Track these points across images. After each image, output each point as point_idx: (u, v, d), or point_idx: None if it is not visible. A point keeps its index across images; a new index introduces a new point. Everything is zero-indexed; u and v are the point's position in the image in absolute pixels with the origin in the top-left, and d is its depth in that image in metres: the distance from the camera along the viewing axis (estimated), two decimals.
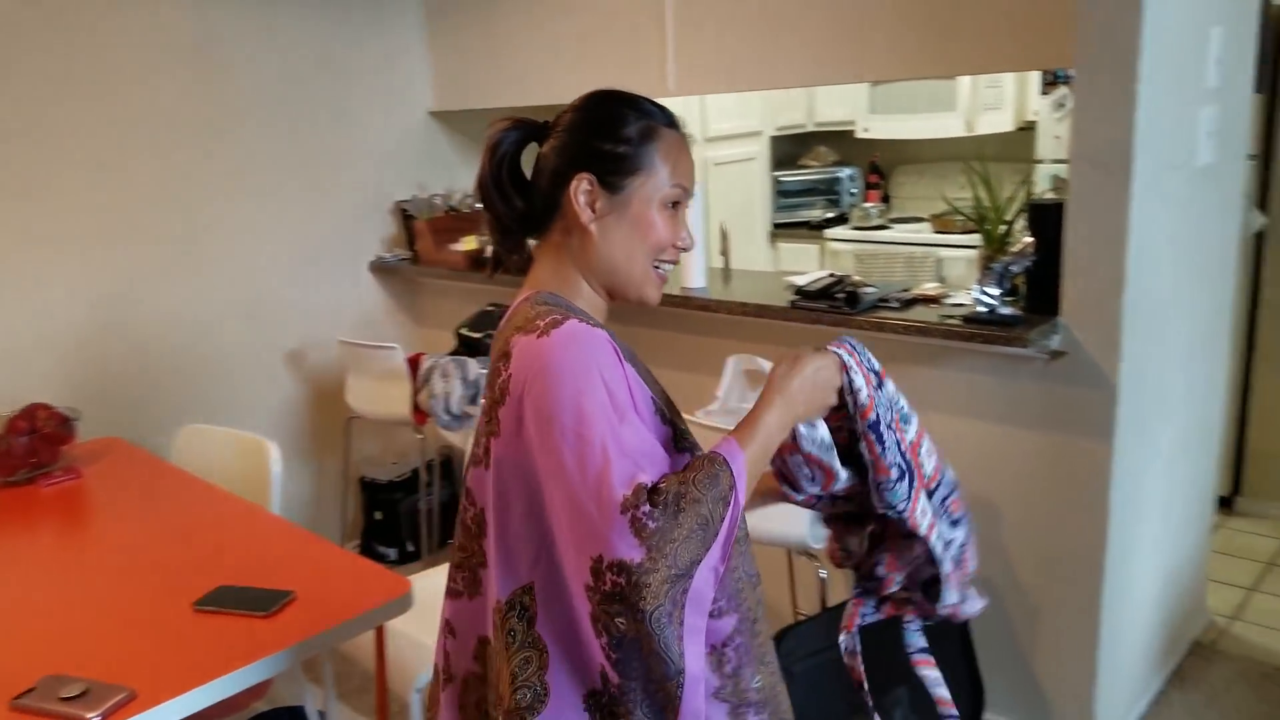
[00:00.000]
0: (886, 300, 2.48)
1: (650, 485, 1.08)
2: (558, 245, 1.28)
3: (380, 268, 3.75)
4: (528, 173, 1.31)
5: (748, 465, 1.16)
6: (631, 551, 1.04)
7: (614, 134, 1.25)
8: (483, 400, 1.24)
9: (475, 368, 2.79)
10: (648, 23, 3.02)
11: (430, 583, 2.53)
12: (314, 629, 1.68)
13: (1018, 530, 2.36)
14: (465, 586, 1.29)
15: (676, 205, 1.26)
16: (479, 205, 3.77)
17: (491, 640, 1.23)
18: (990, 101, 4.27)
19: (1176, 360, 2.41)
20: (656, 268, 1.28)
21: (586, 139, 1.26)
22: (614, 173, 1.23)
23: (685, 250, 1.28)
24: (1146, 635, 2.56)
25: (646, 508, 1.05)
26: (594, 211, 1.24)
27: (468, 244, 3.50)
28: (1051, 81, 3.89)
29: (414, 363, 3.14)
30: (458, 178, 3.95)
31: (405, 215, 3.77)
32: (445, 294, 3.79)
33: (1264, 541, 3.43)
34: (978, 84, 4.27)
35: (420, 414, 3.15)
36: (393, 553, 3.75)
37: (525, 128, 1.31)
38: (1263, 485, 3.61)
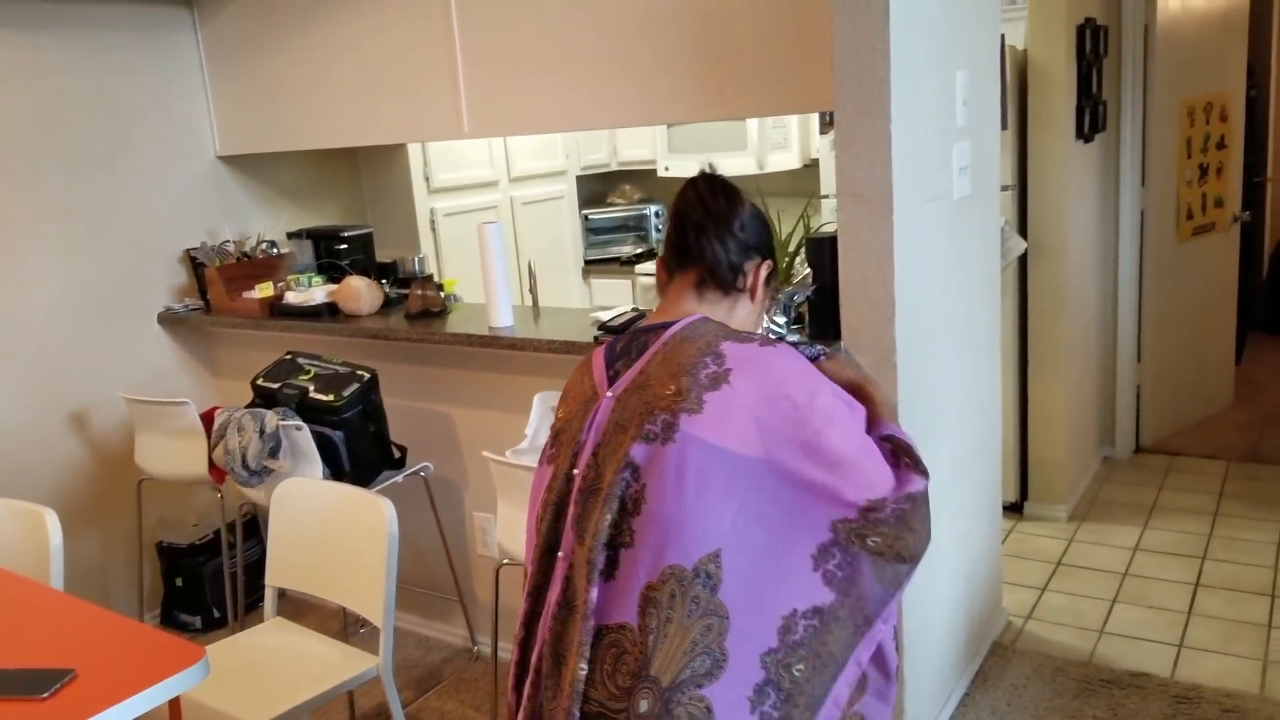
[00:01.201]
0: None
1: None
2: (713, 299, 1.57)
3: (170, 319, 3.58)
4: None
5: None
6: (919, 483, 1.44)
7: (774, 250, 1.68)
8: (658, 385, 1.42)
9: (273, 419, 2.70)
10: (438, 65, 3.04)
11: (236, 647, 2.43)
12: (98, 707, 1.59)
13: None
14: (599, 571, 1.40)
15: None
16: (274, 252, 3.67)
17: (640, 619, 1.34)
18: (778, 141, 4.52)
19: (952, 376, 2.61)
20: None
21: (769, 236, 1.66)
22: (773, 275, 1.65)
23: None
24: (949, 640, 2.72)
25: (907, 461, 1.47)
26: (763, 290, 1.63)
27: (263, 291, 3.39)
28: (828, 122, 4.16)
29: (208, 418, 3.01)
30: (249, 223, 3.82)
31: (195, 263, 3.62)
32: (242, 344, 3.65)
33: (1051, 543, 3.71)
34: (765, 125, 4.52)
35: (218, 471, 3.02)
36: (197, 620, 3.55)
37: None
38: (1046, 489, 3.89)
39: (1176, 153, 4.29)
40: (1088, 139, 3.80)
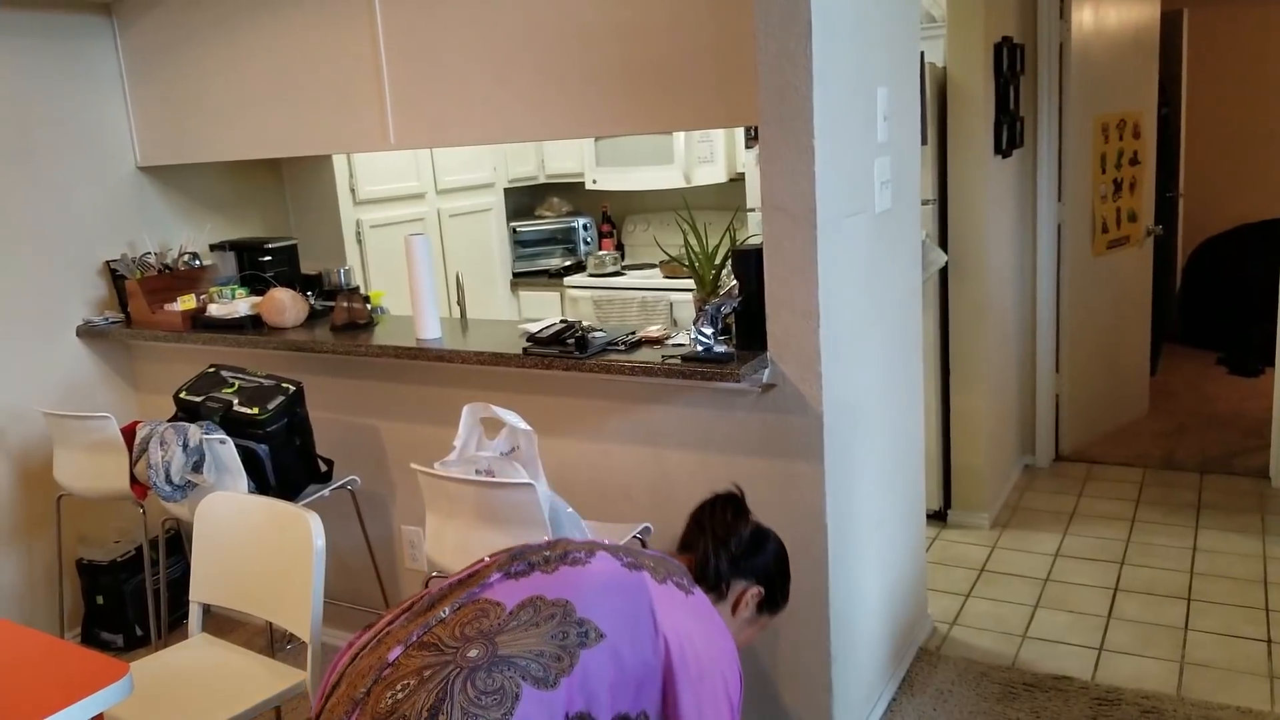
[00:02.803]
0: (614, 343, 2.60)
1: None
2: (712, 597, 1.80)
3: (90, 332, 3.49)
4: None
5: None
6: None
7: (786, 590, 1.93)
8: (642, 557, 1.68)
9: (196, 433, 2.66)
10: (362, 75, 3.03)
11: (160, 664, 2.38)
12: None
13: None
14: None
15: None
16: (197, 264, 3.60)
17: (514, 608, 1.52)
18: (704, 155, 4.58)
19: (876, 385, 2.68)
20: None
21: (778, 576, 1.88)
22: (772, 606, 1.89)
23: None
24: (876, 646, 2.78)
25: None
26: (746, 611, 1.83)
27: (185, 303, 3.33)
28: (754, 137, 4.23)
29: (129, 432, 2.95)
30: (172, 235, 3.75)
31: (115, 275, 3.54)
32: (164, 357, 3.58)
33: (974, 550, 3.80)
34: (691, 140, 4.58)
35: (140, 487, 2.95)
36: (119, 639, 3.47)
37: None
38: (968, 497, 3.99)
39: (1091, 168, 4.45)
40: (1006, 154, 3.92)
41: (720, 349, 2.40)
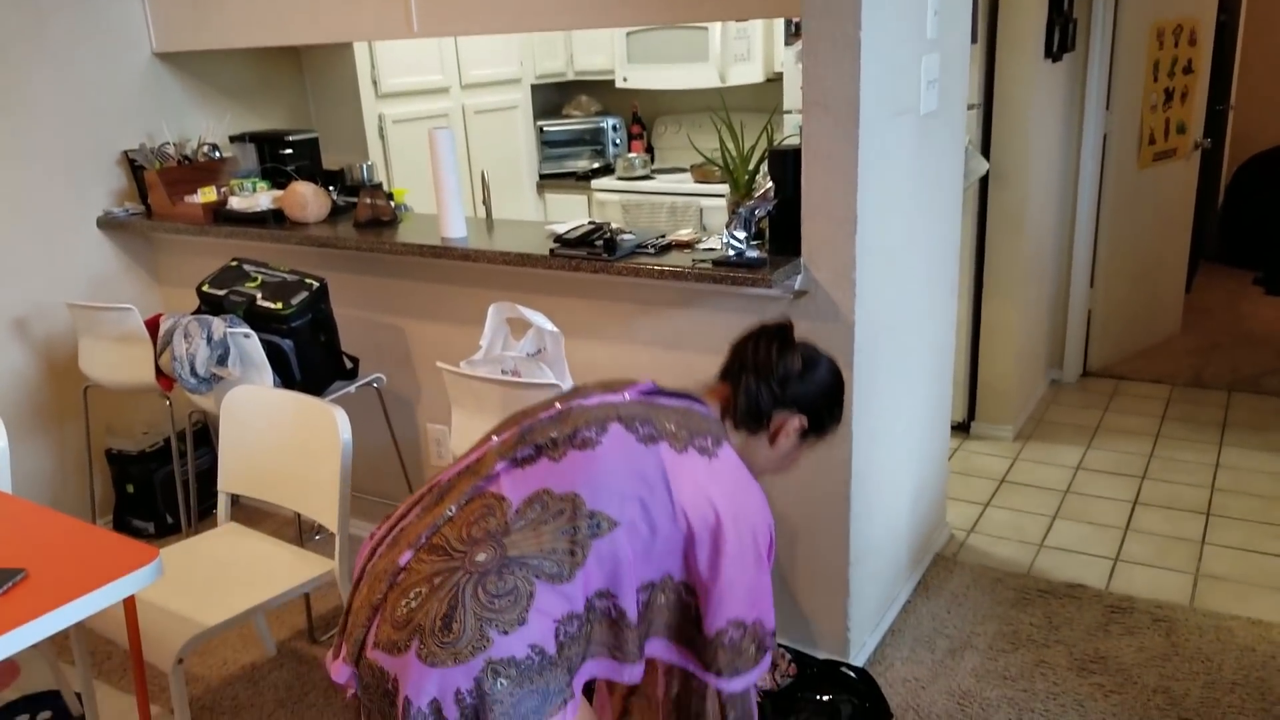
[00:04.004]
0: (644, 247, 2.55)
1: None
2: (745, 432, 1.66)
3: (110, 223, 3.46)
4: None
5: None
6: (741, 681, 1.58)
7: (835, 414, 1.73)
8: (662, 416, 1.56)
9: (220, 326, 2.64)
10: None
11: (190, 551, 2.41)
12: (50, 605, 1.57)
13: None
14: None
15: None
16: (216, 155, 3.54)
17: (522, 505, 1.48)
18: (740, 53, 4.42)
19: (908, 295, 2.62)
20: None
21: (823, 401, 1.69)
22: (819, 431, 1.71)
23: None
24: (894, 550, 2.79)
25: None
26: (787, 439, 1.67)
27: (206, 195, 3.28)
28: (795, 33, 4.07)
29: (153, 324, 2.94)
30: (190, 125, 3.68)
31: (134, 166, 3.48)
32: (185, 250, 3.55)
33: (995, 461, 3.80)
34: (728, 36, 4.42)
35: (165, 379, 2.96)
36: (150, 527, 3.53)
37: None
38: (993, 410, 3.96)
39: (1143, 76, 4.28)
40: (1056, 58, 3.76)
41: (752, 254, 2.35)
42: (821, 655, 2.53)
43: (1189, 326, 5.11)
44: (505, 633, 1.36)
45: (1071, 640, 2.68)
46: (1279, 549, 3.08)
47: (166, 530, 3.53)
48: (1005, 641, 2.69)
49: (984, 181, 3.77)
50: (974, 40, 3.40)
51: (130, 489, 3.51)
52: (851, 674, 2.36)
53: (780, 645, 2.41)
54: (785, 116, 4.16)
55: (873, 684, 2.35)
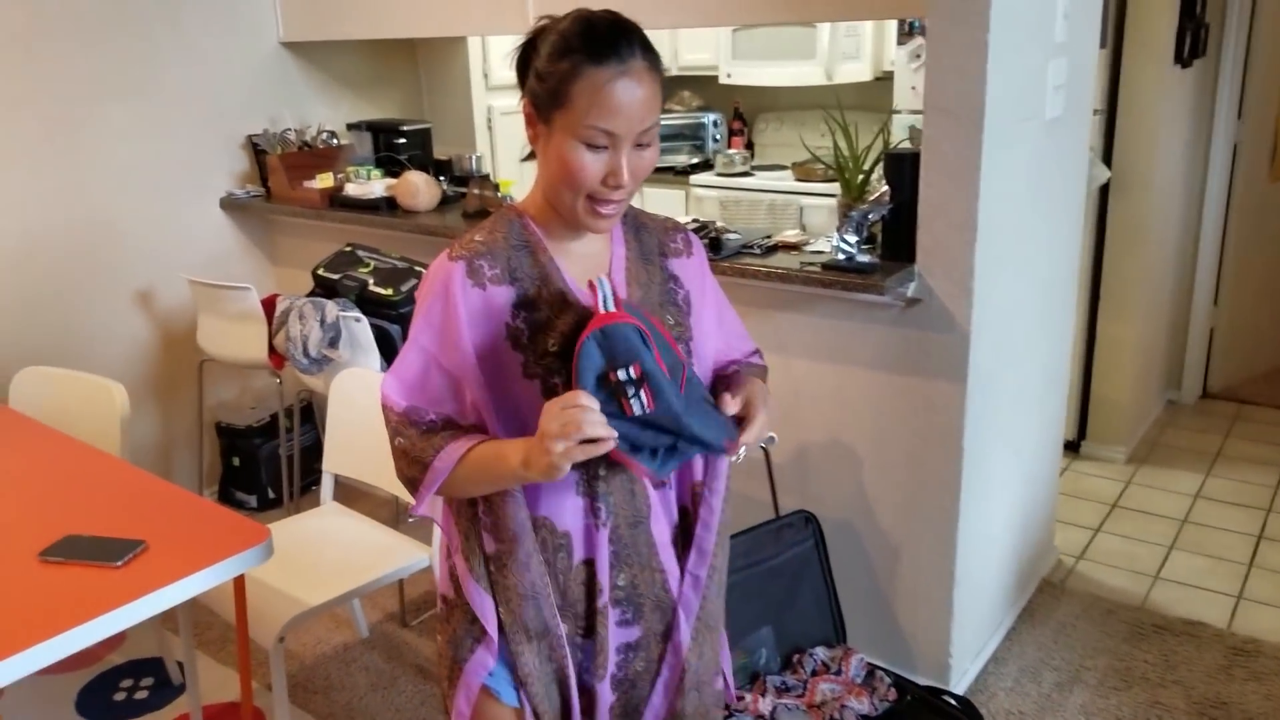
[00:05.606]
0: (749, 246, 2.52)
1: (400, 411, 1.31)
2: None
3: (232, 204, 3.58)
4: None
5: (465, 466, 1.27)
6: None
7: (542, 63, 1.22)
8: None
9: (333, 310, 2.70)
10: None
11: (294, 529, 2.47)
12: (168, 579, 1.63)
13: (876, 472, 2.45)
14: None
15: (595, 147, 1.20)
16: (334, 142, 3.63)
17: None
18: (849, 51, 4.34)
19: (1025, 307, 2.53)
20: (591, 199, 1.23)
21: (528, 61, 1.25)
22: (541, 103, 1.23)
23: (616, 188, 1.23)
24: (999, 574, 2.69)
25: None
26: (533, 134, 1.25)
27: (323, 181, 3.36)
28: (908, 32, 3.98)
29: (269, 304, 3.02)
30: (311, 112, 3.78)
31: (257, 150, 3.59)
32: (301, 233, 3.64)
33: (1108, 484, 3.64)
34: (836, 33, 4.34)
35: (277, 357, 3.04)
36: (252, 500, 3.64)
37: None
38: (1106, 430, 3.79)
39: (1279, 84, 4.06)
40: (1186, 64, 3.60)
41: (864, 259, 2.30)
42: (922, 680, 2.46)
43: None
44: None
45: (1190, 682, 2.55)
46: None
47: (267, 504, 3.64)
48: (1117, 678, 2.58)
49: (1104, 190, 3.63)
50: (1103, 44, 3.27)
51: (236, 462, 3.63)
52: (953, 702, 2.28)
53: (879, 667, 2.34)
54: (894, 116, 4.07)
55: (976, 715, 2.27)
